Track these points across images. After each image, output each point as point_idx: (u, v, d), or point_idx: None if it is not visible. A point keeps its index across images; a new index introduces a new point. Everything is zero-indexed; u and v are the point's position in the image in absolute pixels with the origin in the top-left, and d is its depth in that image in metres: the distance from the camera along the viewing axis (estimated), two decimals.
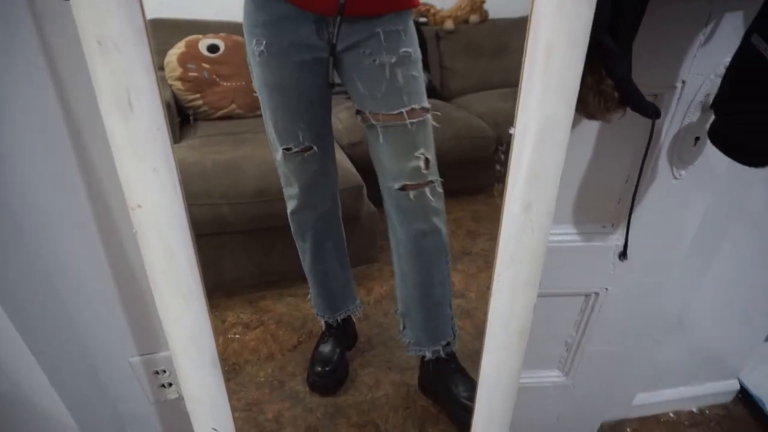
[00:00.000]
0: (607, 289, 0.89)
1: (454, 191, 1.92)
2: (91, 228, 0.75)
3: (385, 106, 0.86)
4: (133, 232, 0.52)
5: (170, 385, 0.94)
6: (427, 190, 0.89)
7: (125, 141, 0.46)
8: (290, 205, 1.06)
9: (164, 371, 0.92)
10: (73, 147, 0.66)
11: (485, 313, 1.55)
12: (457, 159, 1.82)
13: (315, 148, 0.96)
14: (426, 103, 0.87)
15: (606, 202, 0.81)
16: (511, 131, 0.50)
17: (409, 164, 0.89)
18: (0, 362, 0.75)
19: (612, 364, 1.03)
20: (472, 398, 1.02)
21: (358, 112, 0.91)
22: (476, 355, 1.36)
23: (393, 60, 0.82)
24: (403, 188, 0.90)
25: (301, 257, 1.15)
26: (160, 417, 1.01)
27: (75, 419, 0.84)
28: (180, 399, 0.97)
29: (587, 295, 0.91)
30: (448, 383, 1.09)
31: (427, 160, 0.88)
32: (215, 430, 0.65)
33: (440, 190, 0.91)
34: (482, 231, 1.79)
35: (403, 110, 0.84)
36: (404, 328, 1.11)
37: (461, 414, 1.04)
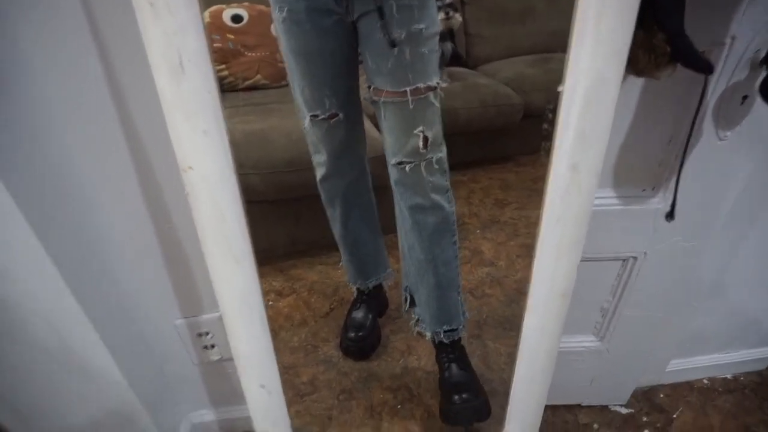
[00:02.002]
0: (645, 253, 0.88)
1: (481, 160, 1.91)
2: (135, 193, 0.77)
3: (390, 83, 0.84)
4: (185, 194, 0.53)
5: (213, 347, 0.98)
6: (423, 165, 0.88)
7: (177, 103, 0.47)
8: (319, 173, 1.07)
9: (207, 333, 0.95)
10: (117, 111, 0.68)
11: (516, 281, 1.55)
12: (483, 127, 1.81)
13: (341, 115, 0.96)
14: (433, 82, 0.84)
15: (647, 164, 0.79)
16: (560, 89, 0.50)
17: (407, 141, 0.87)
18: (54, 319, 0.79)
19: (647, 329, 1.03)
20: (463, 392, 1.03)
21: (369, 86, 0.90)
22: (507, 323, 1.38)
23: (402, 36, 0.80)
24: (400, 163, 0.89)
25: (331, 225, 1.17)
26: (203, 377, 1.05)
27: (125, 378, 0.88)
28: (222, 360, 1.01)
29: (625, 260, 0.90)
30: (442, 372, 1.09)
31: (426, 139, 0.86)
32: (263, 386, 0.67)
33: (438, 166, 0.89)
34: (510, 199, 1.78)
35: (407, 89, 0.83)
36: (410, 304, 1.11)
37: (447, 408, 1.05)
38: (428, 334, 1.07)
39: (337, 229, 1.15)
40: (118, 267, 0.85)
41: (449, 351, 1.08)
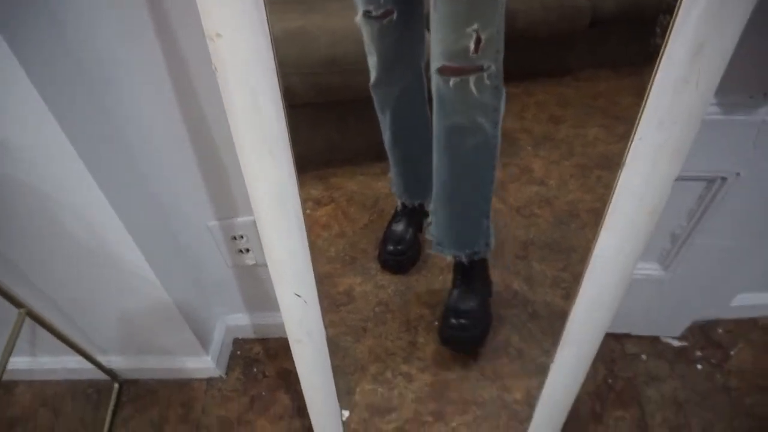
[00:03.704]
0: (737, 174, 0.76)
1: (537, 72, 1.74)
2: (165, 84, 0.69)
3: None
4: (212, 69, 0.45)
5: (248, 251, 0.94)
6: (472, 80, 0.72)
7: None
8: (371, 77, 0.96)
9: (242, 237, 0.91)
10: None
11: (567, 203, 1.45)
12: (543, 34, 1.62)
13: (396, 13, 0.83)
14: None
15: (762, 63, 0.65)
16: None
17: (455, 41, 0.71)
18: (82, 212, 0.75)
19: (719, 260, 0.93)
20: (462, 318, 1.02)
21: None
22: (555, 245, 1.29)
23: None
24: (442, 70, 0.74)
25: (382, 132, 1.07)
26: (238, 282, 1.03)
27: (157, 276, 0.85)
28: (257, 266, 0.97)
29: (711, 180, 0.79)
30: (451, 290, 1.06)
31: (479, 40, 0.70)
32: (298, 295, 0.62)
33: (490, 82, 0.74)
34: (567, 117, 1.63)
35: None
36: (430, 224, 1.04)
37: (445, 330, 1.04)
38: (449, 258, 1.04)
39: (386, 140, 1.06)
40: (146, 161, 0.79)
41: (466, 271, 1.04)
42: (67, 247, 0.81)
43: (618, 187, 0.50)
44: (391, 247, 1.19)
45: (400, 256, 1.20)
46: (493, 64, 0.73)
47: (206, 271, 0.99)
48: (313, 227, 1.35)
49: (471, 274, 1.05)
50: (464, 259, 1.01)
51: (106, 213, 0.74)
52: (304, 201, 1.45)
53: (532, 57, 1.61)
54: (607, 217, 0.52)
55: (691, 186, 0.81)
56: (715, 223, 0.84)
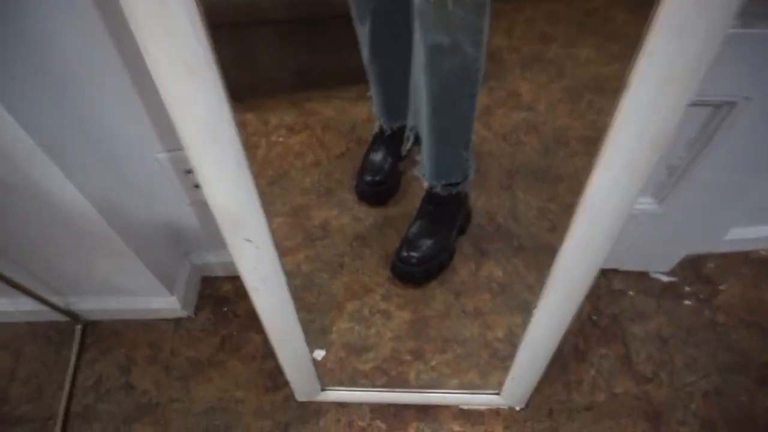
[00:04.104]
0: (748, 98, 0.68)
1: None
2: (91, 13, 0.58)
3: None
4: None
5: None
6: None
7: None
8: None
9: None
10: None
11: (555, 129, 1.36)
12: None
13: None
14: None
15: None
16: None
17: None
18: (13, 155, 0.66)
19: (717, 193, 0.86)
20: (413, 251, 1.01)
21: None
22: (541, 173, 1.22)
23: None
24: None
25: (360, 46, 0.96)
26: (199, 218, 0.95)
27: (101, 214, 0.76)
28: None
29: (718, 106, 0.70)
30: (414, 219, 1.03)
31: None
32: (249, 240, 0.54)
33: (472, 1, 0.69)
34: (558, 35, 1.50)
35: None
36: (413, 142, 1.00)
37: (395, 261, 1.03)
38: (425, 185, 1.00)
39: (365, 53, 0.96)
40: (75, 86, 0.68)
41: (437, 204, 1.01)
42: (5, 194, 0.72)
43: (618, 114, 0.41)
44: (368, 178, 1.13)
45: (379, 187, 1.13)
46: None
47: (162, 208, 0.91)
48: (286, 156, 1.26)
49: (440, 208, 1.01)
50: (439, 190, 0.97)
51: (26, 144, 0.64)
52: (276, 128, 1.35)
53: None
54: (603, 149, 0.44)
55: (695, 112, 0.72)
56: (718, 154, 0.76)
